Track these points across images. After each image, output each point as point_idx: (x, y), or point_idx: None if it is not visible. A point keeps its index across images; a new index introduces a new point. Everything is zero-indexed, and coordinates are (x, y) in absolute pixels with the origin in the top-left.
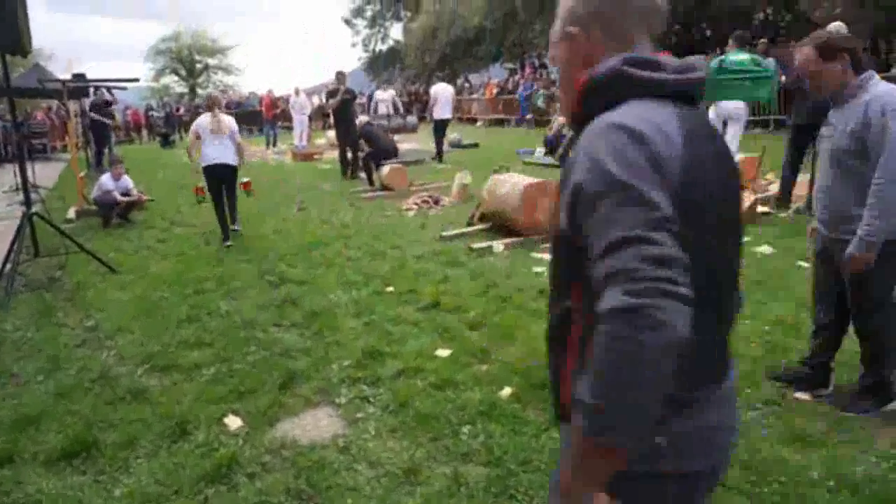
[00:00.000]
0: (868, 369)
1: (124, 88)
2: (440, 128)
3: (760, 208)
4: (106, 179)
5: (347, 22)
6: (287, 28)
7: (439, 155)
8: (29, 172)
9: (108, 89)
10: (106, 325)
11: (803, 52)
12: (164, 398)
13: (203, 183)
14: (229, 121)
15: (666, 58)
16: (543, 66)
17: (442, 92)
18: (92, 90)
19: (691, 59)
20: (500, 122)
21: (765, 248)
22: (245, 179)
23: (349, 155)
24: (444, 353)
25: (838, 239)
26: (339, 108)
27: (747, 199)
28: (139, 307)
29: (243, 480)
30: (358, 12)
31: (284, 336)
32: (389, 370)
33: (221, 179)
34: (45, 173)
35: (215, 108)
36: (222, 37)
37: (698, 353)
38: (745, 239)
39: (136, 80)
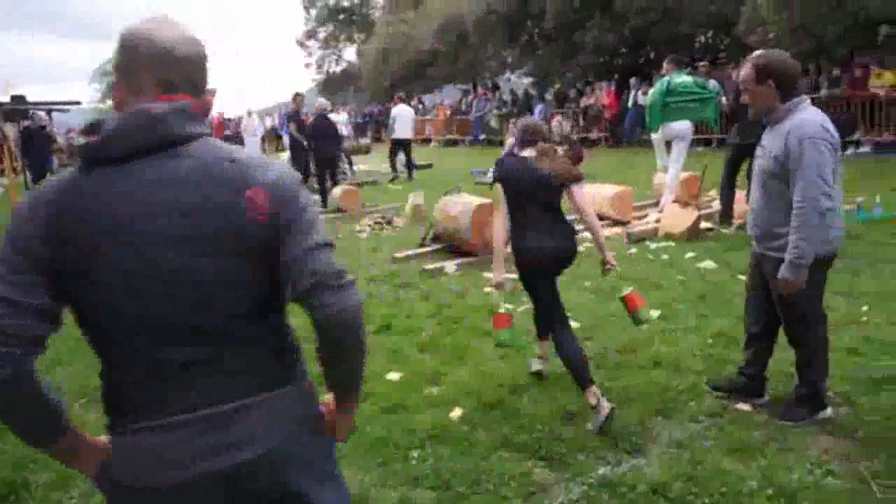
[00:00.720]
0: (801, 378)
1: (66, 111)
2: (399, 148)
3: (704, 224)
4: None
5: (301, 44)
6: (239, 49)
7: (409, 172)
8: None
9: (49, 112)
10: (41, 358)
11: (746, 69)
12: (103, 432)
13: None
14: None
15: (123, 116)
16: (496, 86)
17: (400, 113)
18: (30, 113)
19: (117, 117)
20: (454, 143)
21: (707, 264)
22: None
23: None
24: (394, 376)
25: (766, 255)
26: (313, 132)
27: (690, 215)
28: (79, 338)
29: None
30: (311, 34)
31: None
32: None
33: None
34: None
35: None
36: None
37: (114, 391)
38: (689, 254)
39: (78, 103)
